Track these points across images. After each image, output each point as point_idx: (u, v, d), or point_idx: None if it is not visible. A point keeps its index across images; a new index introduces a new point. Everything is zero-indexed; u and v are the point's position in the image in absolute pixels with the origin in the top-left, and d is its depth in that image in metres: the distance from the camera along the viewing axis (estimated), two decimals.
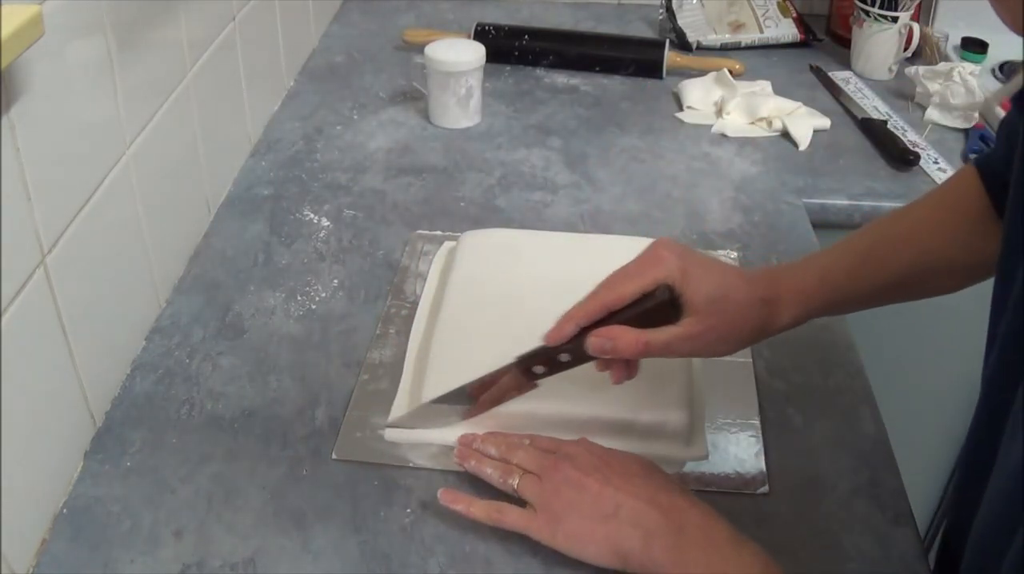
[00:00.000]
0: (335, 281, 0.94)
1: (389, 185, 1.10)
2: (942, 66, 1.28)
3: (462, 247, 0.93)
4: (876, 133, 1.21)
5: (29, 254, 0.66)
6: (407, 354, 0.83)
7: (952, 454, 1.34)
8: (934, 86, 1.26)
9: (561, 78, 1.36)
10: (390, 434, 0.76)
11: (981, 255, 0.66)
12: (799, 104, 1.25)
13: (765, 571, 0.59)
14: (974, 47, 1.39)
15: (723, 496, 0.71)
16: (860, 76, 1.38)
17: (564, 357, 0.68)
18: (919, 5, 1.35)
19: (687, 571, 0.60)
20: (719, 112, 1.25)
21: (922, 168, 1.15)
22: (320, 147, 1.17)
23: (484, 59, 1.19)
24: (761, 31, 1.45)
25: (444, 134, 1.21)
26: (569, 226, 1.03)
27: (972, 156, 1.17)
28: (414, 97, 1.29)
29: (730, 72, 1.30)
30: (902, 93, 1.33)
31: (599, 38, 1.41)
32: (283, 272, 0.95)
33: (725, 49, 1.44)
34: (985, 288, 0.66)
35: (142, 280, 0.86)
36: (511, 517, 0.66)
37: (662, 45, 1.36)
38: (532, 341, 0.80)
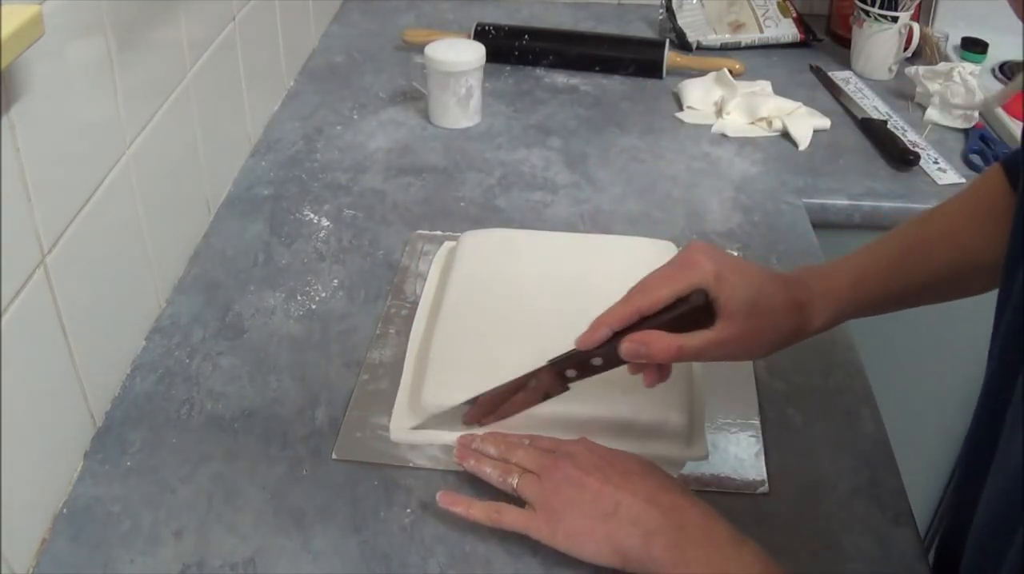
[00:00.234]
0: (335, 281, 0.94)
1: (389, 185, 1.10)
2: (942, 66, 1.28)
3: (462, 247, 0.93)
4: (876, 133, 1.21)
5: (29, 254, 0.66)
6: (407, 354, 0.83)
7: (952, 454, 1.34)
8: (934, 86, 1.26)
9: (561, 78, 1.36)
10: (395, 434, 0.76)
11: None
12: (799, 104, 1.25)
13: (765, 570, 0.59)
14: (974, 47, 1.39)
15: (723, 496, 0.71)
16: (860, 76, 1.38)
17: (596, 361, 0.68)
18: (919, 5, 1.35)
19: (687, 570, 0.60)
20: (719, 112, 1.25)
21: (922, 168, 1.15)
22: (320, 147, 1.17)
23: (484, 59, 1.19)
24: (761, 31, 1.45)
25: (444, 134, 1.21)
26: (569, 226, 1.03)
27: (972, 156, 1.17)
28: (414, 97, 1.29)
29: (730, 72, 1.30)
30: (902, 93, 1.33)
31: (599, 38, 1.41)
32: (283, 272, 0.95)
33: (725, 49, 1.44)
34: None
35: (142, 280, 0.86)
36: (510, 517, 0.66)
37: (662, 45, 1.36)
38: (532, 341, 0.80)
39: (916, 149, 1.17)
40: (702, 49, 1.44)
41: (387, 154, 1.16)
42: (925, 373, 1.23)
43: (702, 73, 1.33)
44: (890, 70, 1.37)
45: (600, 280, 0.87)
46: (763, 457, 0.75)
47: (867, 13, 1.33)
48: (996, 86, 1.33)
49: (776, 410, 0.80)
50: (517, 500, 0.67)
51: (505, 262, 0.90)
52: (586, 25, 1.52)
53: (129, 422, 0.78)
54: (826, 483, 0.74)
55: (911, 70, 1.31)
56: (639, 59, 1.36)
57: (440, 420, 0.75)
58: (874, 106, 1.29)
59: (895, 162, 1.16)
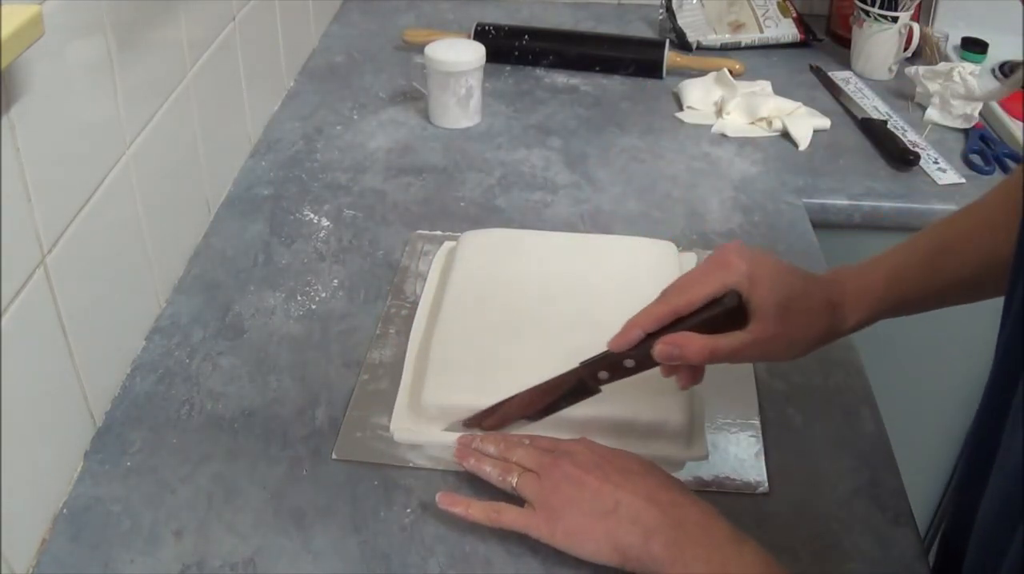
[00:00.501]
0: (335, 281, 0.94)
1: (389, 185, 1.10)
2: (942, 66, 1.28)
3: (462, 247, 0.93)
4: (876, 133, 1.21)
5: (29, 254, 0.66)
6: (407, 354, 0.83)
7: (952, 454, 1.34)
8: (934, 86, 1.26)
9: (561, 78, 1.36)
10: (399, 435, 0.76)
11: None
12: (799, 104, 1.25)
13: (765, 569, 0.59)
14: (974, 47, 1.39)
15: (723, 496, 0.71)
16: (860, 76, 1.38)
17: (629, 363, 0.68)
18: (919, 5, 1.35)
19: (686, 568, 0.60)
20: (719, 112, 1.25)
21: (922, 168, 1.15)
22: (320, 147, 1.17)
23: (484, 59, 1.19)
24: (761, 31, 1.45)
25: (444, 134, 1.21)
26: (569, 226, 1.03)
27: (972, 156, 1.17)
28: (414, 97, 1.29)
29: (730, 72, 1.30)
30: (902, 93, 1.33)
31: (599, 38, 1.41)
32: (283, 272, 0.95)
33: (725, 49, 1.44)
34: None
35: (142, 280, 0.86)
36: (509, 516, 0.66)
37: (662, 45, 1.36)
38: (532, 340, 0.81)
39: (916, 149, 1.17)
40: (702, 49, 1.44)
41: (387, 154, 1.16)
42: (925, 373, 1.23)
43: (702, 73, 1.33)
44: (890, 70, 1.37)
45: (600, 280, 0.88)
46: (763, 457, 0.75)
47: (867, 13, 1.33)
48: (996, 86, 1.33)
49: (776, 410, 0.80)
50: (517, 499, 0.67)
51: (505, 262, 0.90)
52: (586, 25, 1.52)
53: (129, 422, 0.78)
54: (826, 483, 0.74)
55: (911, 70, 1.31)
56: (639, 59, 1.36)
57: (470, 423, 0.75)
58: (874, 106, 1.29)
59: (895, 162, 1.16)
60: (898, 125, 1.24)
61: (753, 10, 1.47)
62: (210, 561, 0.67)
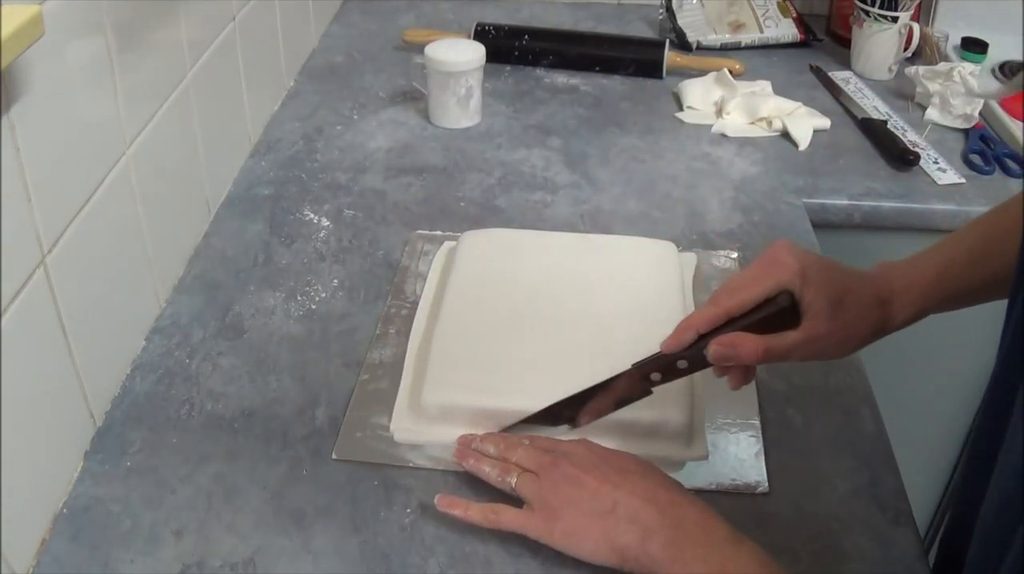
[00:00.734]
0: (335, 281, 0.94)
1: (389, 185, 1.10)
2: (942, 66, 1.28)
3: (462, 247, 0.93)
4: (876, 133, 1.21)
5: (29, 254, 0.66)
6: (407, 354, 0.83)
7: (952, 454, 1.34)
8: (934, 86, 1.26)
9: (561, 78, 1.36)
10: (399, 435, 0.76)
11: None
12: (799, 104, 1.25)
13: (763, 569, 0.59)
14: (974, 47, 1.39)
15: (723, 496, 0.71)
16: (860, 76, 1.38)
17: (682, 363, 0.68)
18: (919, 5, 1.35)
19: (685, 568, 0.60)
20: (719, 112, 1.25)
21: (922, 168, 1.15)
22: (320, 147, 1.17)
23: (484, 59, 1.19)
24: (761, 31, 1.45)
25: (444, 134, 1.21)
26: (569, 226, 1.03)
27: (972, 156, 1.17)
28: (414, 97, 1.29)
29: (730, 72, 1.30)
30: (902, 93, 1.33)
31: (599, 38, 1.41)
32: (283, 272, 0.95)
33: (725, 49, 1.44)
34: None
35: (142, 280, 0.86)
36: (508, 517, 0.66)
37: (662, 45, 1.36)
38: (532, 340, 0.81)
39: (916, 149, 1.17)
40: (702, 49, 1.44)
41: (387, 154, 1.16)
42: (925, 373, 1.23)
43: (702, 73, 1.33)
44: (890, 70, 1.37)
45: (600, 280, 0.88)
46: (763, 457, 0.75)
47: (867, 13, 1.33)
48: (996, 86, 1.33)
49: (776, 410, 0.80)
50: (516, 500, 0.67)
51: (505, 262, 0.90)
52: (586, 25, 1.52)
53: (129, 422, 0.78)
54: (826, 483, 0.74)
55: (911, 70, 1.31)
56: (639, 59, 1.36)
57: (519, 427, 0.75)
58: (874, 106, 1.29)
59: (895, 162, 1.16)
60: (898, 125, 1.24)
61: (753, 10, 1.47)
62: (210, 561, 0.67)
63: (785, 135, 1.21)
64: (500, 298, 0.85)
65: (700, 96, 1.28)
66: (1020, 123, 1.22)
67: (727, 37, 1.44)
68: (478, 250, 0.92)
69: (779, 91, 1.29)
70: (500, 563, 0.67)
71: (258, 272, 0.95)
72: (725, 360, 0.65)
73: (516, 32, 1.39)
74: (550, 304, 0.85)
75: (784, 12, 1.47)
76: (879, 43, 1.35)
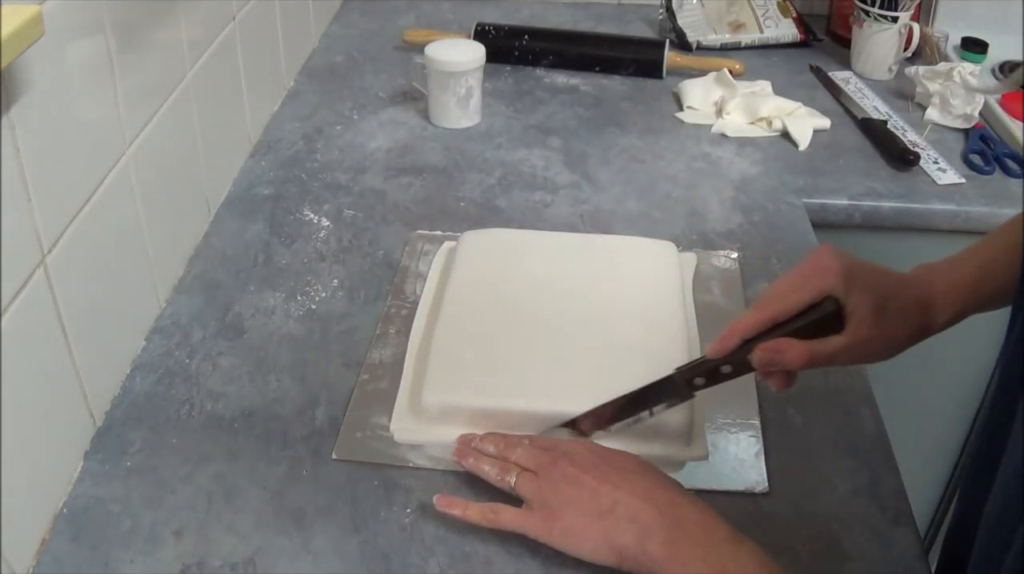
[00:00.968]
0: (335, 281, 0.94)
1: (389, 185, 1.10)
2: (942, 66, 1.28)
3: (462, 247, 0.93)
4: (876, 133, 1.21)
5: (29, 254, 0.66)
6: (407, 354, 0.83)
7: (952, 454, 1.34)
8: (934, 86, 1.26)
9: (561, 78, 1.36)
10: (399, 435, 0.76)
11: None
12: (799, 104, 1.25)
13: (763, 569, 0.59)
14: (974, 47, 1.39)
15: (723, 496, 0.71)
16: (860, 76, 1.38)
17: (726, 369, 0.68)
18: (919, 5, 1.35)
19: (684, 568, 0.60)
20: (719, 112, 1.25)
21: (922, 168, 1.15)
22: (320, 147, 1.17)
23: (484, 59, 1.19)
24: (761, 31, 1.45)
25: (444, 134, 1.21)
26: (569, 226, 1.03)
27: (972, 156, 1.17)
28: (414, 97, 1.29)
29: (730, 72, 1.30)
30: (902, 93, 1.33)
31: (599, 38, 1.41)
32: (283, 272, 0.95)
33: (725, 49, 1.44)
34: None
35: (142, 280, 0.86)
36: (507, 517, 0.66)
37: (662, 45, 1.36)
38: (532, 340, 0.81)
39: (916, 149, 1.17)
40: (702, 49, 1.44)
41: (387, 154, 1.16)
42: (925, 373, 1.23)
43: (702, 73, 1.33)
44: (890, 70, 1.37)
45: (600, 280, 0.88)
46: (763, 457, 0.75)
47: (867, 13, 1.33)
48: (994, 83, 1.33)
49: (776, 410, 0.80)
50: (516, 499, 0.67)
51: (505, 262, 0.90)
52: (586, 25, 1.52)
53: (129, 422, 0.78)
54: (826, 483, 0.74)
55: (911, 70, 1.31)
56: (639, 59, 1.36)
57: (553, 430, 0.75)
58: (874, 106, 1.29)
59: (895, 162, 1.16)
60: (898, 125, 1.24)
61: (753, 10, 1.47)
62: (210, 561, 0.67)
63: (785, 135, 1.21)
64: (500, 298, 0.85)
65: (700, 96, 1.28)
66: (1020, 123, 1.22)
67: (727, 37, 1.44)
68: (478, 250, 0.92)
69: (779, 91, 1.29)
70: (500, 563, 0.67)
71: (258, 272, 0.95)
72: (771, 366, 0.66)
73: (516, 32, 1.39)
74: (550, 304, 0.85)
75: (784, 12, 1.47)
76: (879, 43, 1.35)
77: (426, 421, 0.76)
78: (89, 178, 0.75)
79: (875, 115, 1.26)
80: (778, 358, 0.65)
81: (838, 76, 1.37)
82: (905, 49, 1.35)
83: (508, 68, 1.38)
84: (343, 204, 1.06)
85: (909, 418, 1.15)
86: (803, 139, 1.19)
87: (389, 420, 0.77)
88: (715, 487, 0.72)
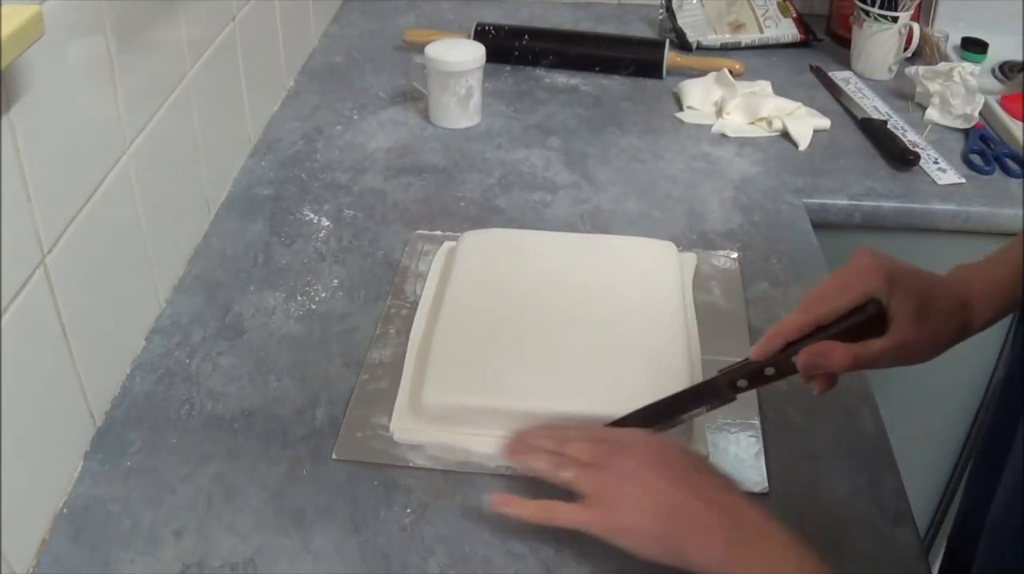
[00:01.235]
0: (335, 281, 0.94)
1: (389, 185, 1.10)
2: (942, 66, 1.28)
3: (462, 247, 0.93)
4: (876, 133, 1.21)
5: (29, 254, 0.66)
6: (407, 354, 0.83)
7: (952, 454, 1.34)
8: (934, 86, 1.26)
9: (561, 78, 1.36)
10: (399, 435, 0.76)
11: None
12: (799, 104, 1.25)
13: (815, 570, 0.59)
14: (974, 47, 1.39)
15: None
16: (860, 76, 1.38)
17: (769, 371, 0.68)
18: (919, 5, 1.35)
19: (744, 569, 0.59)
20: (719, 112, 1.25)
21: (922, 168, 1.15)
22: (320, 147, 1.17)
23: (484, 59, 1.19)
24: (761, 31, 1.45)
25: (444, 134, 1.21)
26: (569, 226, 1.03)
27: (972, 156, 1.17)
28: (414, 97, 1.29)
29: (730, 72, 1.30)
30: (902, 93, 1.33)
31: (599, 38, 1.41)
32: (283, 272, 0.95)
33: (725, 49, 1.44)
34: None
35: (142, 280, 0.86)
36: (563, 514, 0.65)
37: (662, 45, 1.36)
38: (532, 340, 0.81)
39: (916, 149, 1.17)
40: (702, 49, 1.44)
41: (387, 154, 1.16)
42: (925, 373, 1.23)
43: (702, 73, 1.33)
44: (890, 70, 1.37)
45: (600, 280, 0.88)
46: (763, 457, 0.75)
47: (867, 13, 1.33)
48: (996, 86, 1.33)
49: (776, 410, 0.80)
50: (569, 495, 0.66)
51: (505, 262, 0.90)
52: (586, 25, 1.52)
53: (129, 422, 0.78)
54: (826, 483, 0.74)
55: (911, 70, 1.31)
56: (639, 59, 1.36)
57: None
58: (874, 106, 1.29)
59: (895, 162, 1.16)
60: (898, 125, 1.24)
61: (753, 10, 1.47)
62: (210, 561, 0.67)
63: (785, 135, 1.21)
64: (500, 298, 0.85)
65: (700, 96, 1.28)
66: (1020, 123, 1.22)
67: (727, 37, 1.44)
68: (478, 250, 0.92)
69: (779, 91, 1.29)
70: (500, 563, 0.67)
71: (258, 272, 0.95)
72: (815, 369, 0.66)
73: (516, 32, 1.39)
74: (550, 304, 0.85)
75: (784, 12, 1.47)
76: (879, 43, 1.35)
77: (426, 421, 0.76)
78: (89, 178, 0.75)
79: (875, 115, 1.26)
80: (823, 361, 0.65)
81: (838, 76, 1.37)
82: (905, 49, 1.35)
83: (508, 68, 1.38)
84: (343, 204, 1.06)
85: (909, 418, 1.15)
86: (803, 139, 1.19)
87: (389, 420, 0.77)
88: None
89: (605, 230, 1.02)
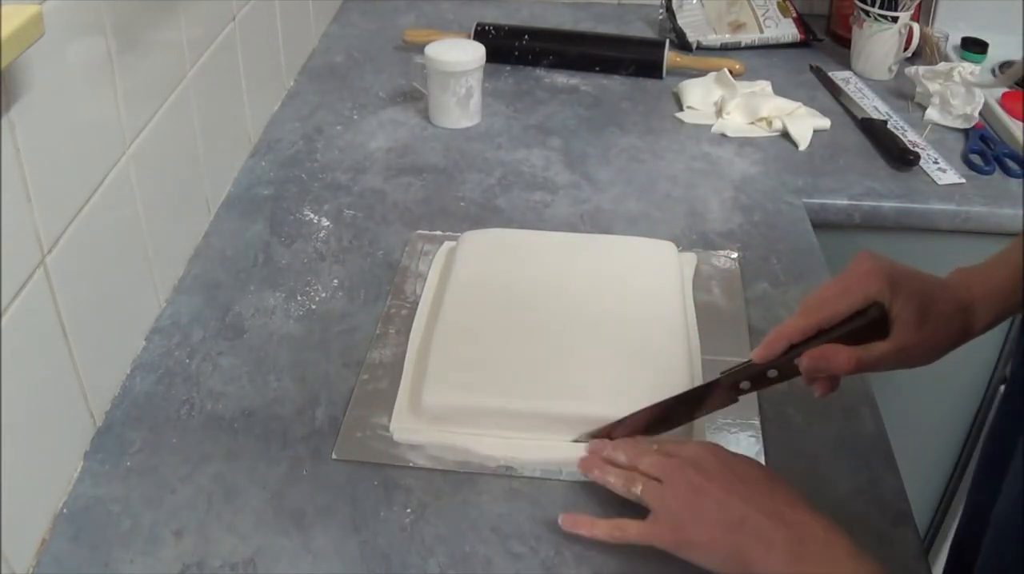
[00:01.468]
0: (335, 281, 0.94)
1: (389, 185, 1.10)
2: (942, 66, 1.28)
3: (462, 247, 0.93)
4: (876, 133, 1.21)
5: (29, 254, 0.66)
6: (407, 354, 0.83)
7: (952, 454, 1.34)
8: (934, 86, 1.26)
9: (561, 78, 1.36)
10: (398, 435, 0.76)
11: None
12: (799, 104, 1.25)
13: None
14: (974, 47, 1.39)
15: None
16: (860, 76, 1.38)
17: (772, 373, 0.69)
18: (919, 5, 1.35)
19: None
20: (719, 112, 1.25)
21: (922, 168, 1.15)
22: (320, 147, 1.17)
23: (484, 59, 1.19)
24: (761, 31, 1.45)
25: (444, 134, 1.21)
26: (569, 226, 1.03)
27: (972, 156, 1.17)
28: (414, 97, 1.29)
29: (730, 72, 1.30)
30: (902, 93, 1.33)
31: (599, 38, 1.41)
32: (283, 272, 0.95)
33: (725, 49, 1.44)
34: None
35: (142, 280, 0.86)
36: (633, 530, 0.66)
37: (662, 45, 1.36)
38: (532, 340, 0.81)
39: (916, 149, 1.17)
40: (702, 49, 1.44)
41: (387, 154, 1.16)
42: (925, 373, 1.23)
43: (702, 73, 1.33)
44: (890, 70, 1.37)
45: (600, 280, 0.88)
46: (763, 457, 0.75)
47: (867, 13, 1.33)
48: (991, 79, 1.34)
49: (776, 410, 0.80)
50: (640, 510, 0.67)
51: (505, 262, 0.90)
52: (586, 25, 1.52)
53: (129, 422, 0.78)
54: (826, 483, 0.74)
55: (911, 70, 1.31)
56: (639, 59, 1.36)
57: (598, 434, 0.75)
58: (874, 106, 1.29)
59: (895, 162, 1.16)
60: (898, 125, 1.24)
61: (753, 10, 1.47)
62: (210, 561, 0.67)
63: (785, 135, 1.21)
64: (500, 298, 0.85)
65: (700, 96, 1.28)
66: (1020, 123, 1.22)
67: (727, 37, 1.44)
68: (478, 250, 0.92)
69: (779, 91, 1.29)
70: (500, 563, 0.67)
71: (258, 272, 0.95)
72: (817, 372, 0.66)
73: (516, 32, 1.39)
74: (550, 304, 0.85)
75: (784, 12, 1.47)
76: (879, 43, 1.35)
77: (426, 421, 0.76)
78: (89, 178, 0.75)
79: (875, 115, 1.26)
80: (826, 365, 0.65)
81: (838, 76, 1.37)
82: (905, 49, 1.35)
83: (508, 68, 1.38)
84: (343, 204, 1.06)
85: (909, 418, 1.15)
86: (803, 139, 1.19)
87: (389, 420, 0.77)
88: None
89: (605, 230, 1.02)
